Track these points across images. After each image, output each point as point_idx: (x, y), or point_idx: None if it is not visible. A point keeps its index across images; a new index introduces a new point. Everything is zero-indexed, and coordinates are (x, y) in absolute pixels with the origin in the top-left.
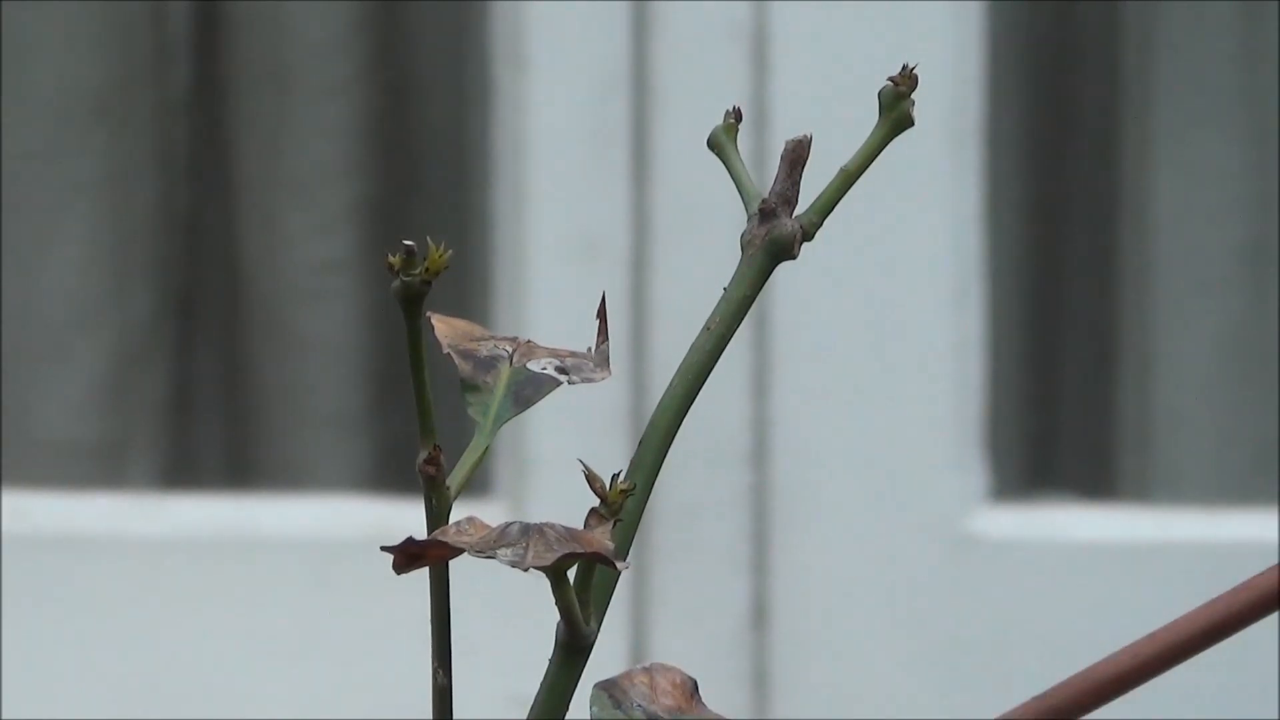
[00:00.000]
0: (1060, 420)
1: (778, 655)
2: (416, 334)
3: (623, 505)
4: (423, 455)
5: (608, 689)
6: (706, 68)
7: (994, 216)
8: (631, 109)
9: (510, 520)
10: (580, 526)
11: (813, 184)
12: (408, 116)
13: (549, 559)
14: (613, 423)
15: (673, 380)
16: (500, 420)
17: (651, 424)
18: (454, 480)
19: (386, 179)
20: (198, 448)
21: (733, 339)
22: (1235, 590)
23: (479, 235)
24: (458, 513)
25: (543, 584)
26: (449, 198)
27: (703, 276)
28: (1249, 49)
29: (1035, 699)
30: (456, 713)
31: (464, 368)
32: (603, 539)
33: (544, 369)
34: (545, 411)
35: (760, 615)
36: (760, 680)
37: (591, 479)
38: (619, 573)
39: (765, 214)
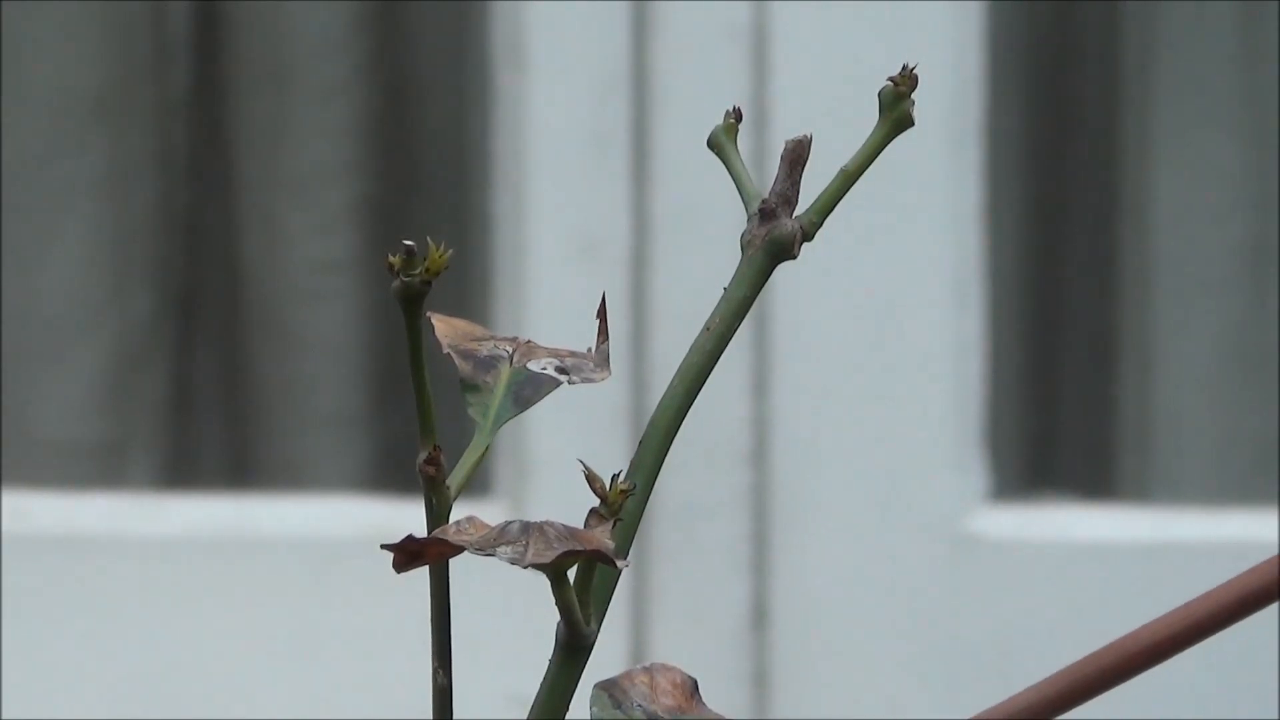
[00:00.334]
0: (1060, 420)
1: (778, 655)
2: (416, 334)
3: (623, 505)
4: (423, 455)
5: (608, 689)
6: (706, 68)
7: (994, 216)
8: (631, 109)
9: (510, 519)
10: (580, 526)
11: (813, 184)
12: (407, 116)
13: (549, 557)
14: (613, 423)
15: (673, 380)
16: (500, 420)
17: (651, 424)
18: (454, 480)
19: (386, 179)
20: (198, 448)
21: (733, 339)
22: (1203, 596)
23: (479, 235)
24: (458, 513)
25: (543, 584)
26: (449, 198)
27: (703, 276)
28: (1249, 49)
29: (1020, 693)
30: (456, 712)
31: (464, 368)
32: (603, 538)
33: (544, 369)
34: (545, 411)
35: (760, 615)
36: (760, 680)
37: (591, 479)
38: (619, 572)
39: (765, 214)
